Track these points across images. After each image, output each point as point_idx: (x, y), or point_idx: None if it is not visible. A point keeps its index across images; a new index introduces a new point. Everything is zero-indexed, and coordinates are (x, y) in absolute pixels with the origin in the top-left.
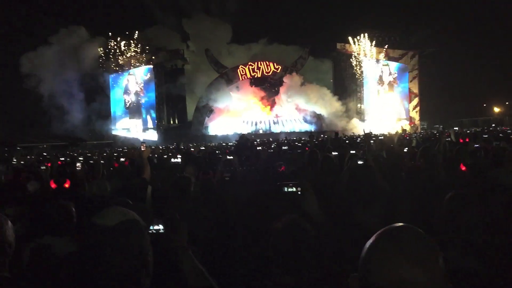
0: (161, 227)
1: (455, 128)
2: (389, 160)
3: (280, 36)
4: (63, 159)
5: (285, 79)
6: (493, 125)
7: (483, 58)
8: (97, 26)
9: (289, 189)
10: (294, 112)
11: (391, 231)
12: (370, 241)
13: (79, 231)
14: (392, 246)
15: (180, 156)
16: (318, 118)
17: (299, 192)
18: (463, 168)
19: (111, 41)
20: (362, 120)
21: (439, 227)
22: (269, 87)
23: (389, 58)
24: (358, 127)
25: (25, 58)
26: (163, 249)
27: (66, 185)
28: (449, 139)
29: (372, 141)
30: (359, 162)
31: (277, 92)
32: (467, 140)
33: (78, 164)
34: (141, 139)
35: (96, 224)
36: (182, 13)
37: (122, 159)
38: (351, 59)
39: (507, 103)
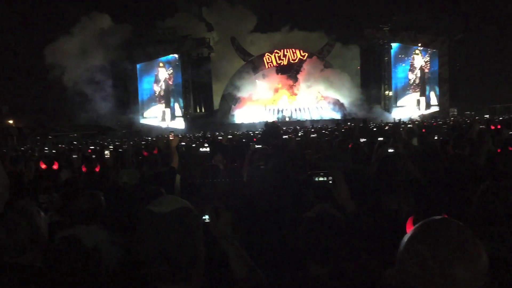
0: (206, 216)
1: (485, 116)
2: (421, 148)
3: (305, 23)
4: (92, 147)
5: (304, 65)
6: None
7: None
8: (117, 15)
9: (320, 179)
10: (318, 99)
11: (432, 224)
12: (409, 235)
13: (108, 219)
14: (435, 241)
15: (207, 145)
16: (340, 106)
17: (330, 182)
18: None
19: (136, 30)
20: (386, 108)
21: (476, 217)
22: (295, 75)
23: (418, 43)
24: (381, 116)
25: (49, 49)
26: (209, 238)
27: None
28: (482, 126)
29: (401, 129)
30: (390, 150)
31: (297, 79)
32: (498, 127)
33: (106, 152)
34: (165, 126)
35: (151, 211)
36: (203, 2)
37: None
38: (379, 45)
39: None
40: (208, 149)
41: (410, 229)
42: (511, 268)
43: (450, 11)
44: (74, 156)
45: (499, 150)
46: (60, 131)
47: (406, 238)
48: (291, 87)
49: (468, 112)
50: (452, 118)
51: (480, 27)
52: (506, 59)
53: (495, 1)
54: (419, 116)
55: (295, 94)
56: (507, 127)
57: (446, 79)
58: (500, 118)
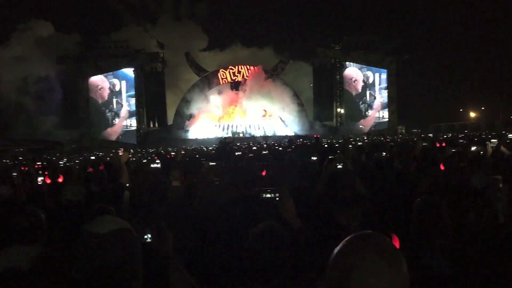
0: (148, 236)
1: (429, 134)
2: (370, 164)
3: (257, 41)
4: (39, 163)
5: (248, 80)
6: (466, 131)
7: (460, 65)
8: (65, 28)
9: (267, 195)
10: (265, 115)
11: (358, 237)
12: (338, 247)
13: (50, 238)
14: (358, 252)
15: (159, 161)
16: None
17: (277, 198)
18: (442, 168)
19: (87, 42)
20: (337, 125)
21: (412, 231)
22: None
23: (368, 62)
24: (330, 133)
25: None
26: (150, 259)
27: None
28: (425, 144)
29: (350, 146)
30: (339, 166)
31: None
32: (443, 144)
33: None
34: (117, 141)
35: (88, 231)
36: (148, 18)
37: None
38: (331, 64)
39: (482, 108)
40: (159, 165)
41: None
42: (442, 278)
43: (398, 32)
44: (14, 174)
45: (442, 167)
46: (4, 146)
47: (335, 250)
48: (240, 102)
49: (415, 130)
50: (400, 136)
51: (426, 48)
52: (450, 80)
53: (440, 24)
54: (362, 134)
55: (245, 110)
56: (450, 144)
57: (395, 98)
58: (444, 136)
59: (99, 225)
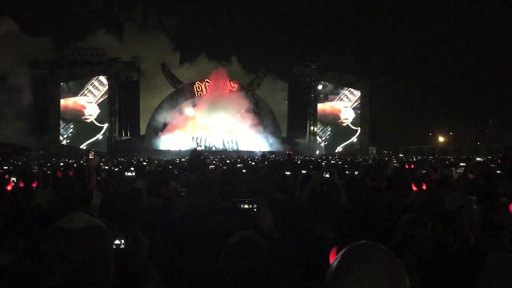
0: (122, 241)
1: (400, 155)
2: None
3: (232, 56)
4: (6, 167)
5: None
6: (436, 155)
7: (430, 90)
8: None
9: (245, 206)
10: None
11: (362, 246)
12: (341, 255)
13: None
14: (364, 260)
15: (133, 169)
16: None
17: (254, 209)
18: (415, 189)
19: (60, 48)
20: (311, 143)
21: (393, 246)
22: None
23: (342, 83)
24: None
25: None
26: (124, 266)
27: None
28: (396, 164)
29: (324, 163)
30: (326, 175)
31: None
32: (412, 166)
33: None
34: (87, 148)
35: (60, 227)
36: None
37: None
38: (307, 82)
39: (451, 133)
40: (134, 173)
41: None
42: None
43: (373, 55)
44: None
45: (414, 187)
46: None
47: (338, 258)
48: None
49: (386, 151)
50: (371, 156)
51: (399, 72)
52: (421, 105)
53: (414, 50)
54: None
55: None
56: (421, 166)
57: (367, 119)
58: (414, 159)
59: (72, 221)
